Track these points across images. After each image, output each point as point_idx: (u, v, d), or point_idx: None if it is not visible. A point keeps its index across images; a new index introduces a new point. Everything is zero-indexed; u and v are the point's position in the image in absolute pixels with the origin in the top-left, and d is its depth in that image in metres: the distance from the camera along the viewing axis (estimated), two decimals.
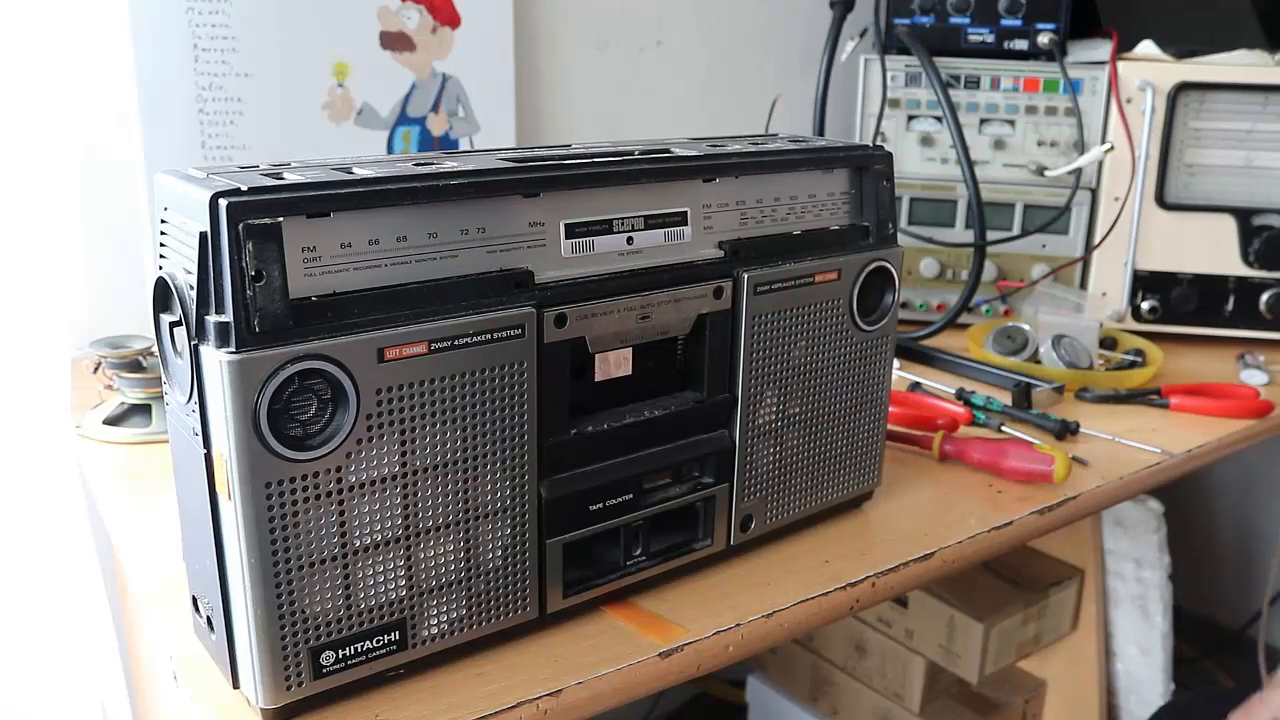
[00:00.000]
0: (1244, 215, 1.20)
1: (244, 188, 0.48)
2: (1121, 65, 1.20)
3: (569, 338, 0.59)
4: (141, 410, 0.92)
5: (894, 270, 0.74)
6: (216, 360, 0.48)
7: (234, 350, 0.48)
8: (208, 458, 0.51)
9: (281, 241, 0.49)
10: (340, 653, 0.54)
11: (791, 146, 0.71)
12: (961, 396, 1.01)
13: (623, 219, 0.62)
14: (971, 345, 1.15)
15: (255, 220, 0.48)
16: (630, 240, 0.62)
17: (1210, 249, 1.21)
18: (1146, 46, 1.23)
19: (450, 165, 0.56)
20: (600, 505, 0.63)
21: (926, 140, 1.27)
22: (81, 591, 1.01)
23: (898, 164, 0.88)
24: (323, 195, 0.50)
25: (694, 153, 0.65)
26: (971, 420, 0.96)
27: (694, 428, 0.67)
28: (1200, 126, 1.19)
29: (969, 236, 1.23)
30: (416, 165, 0.56)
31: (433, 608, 0.57)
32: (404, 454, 0.53)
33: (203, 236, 0.48)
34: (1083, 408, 1.03)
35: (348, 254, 0.52)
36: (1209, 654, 1.84)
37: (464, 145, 1.21)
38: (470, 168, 0.56)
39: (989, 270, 1.25)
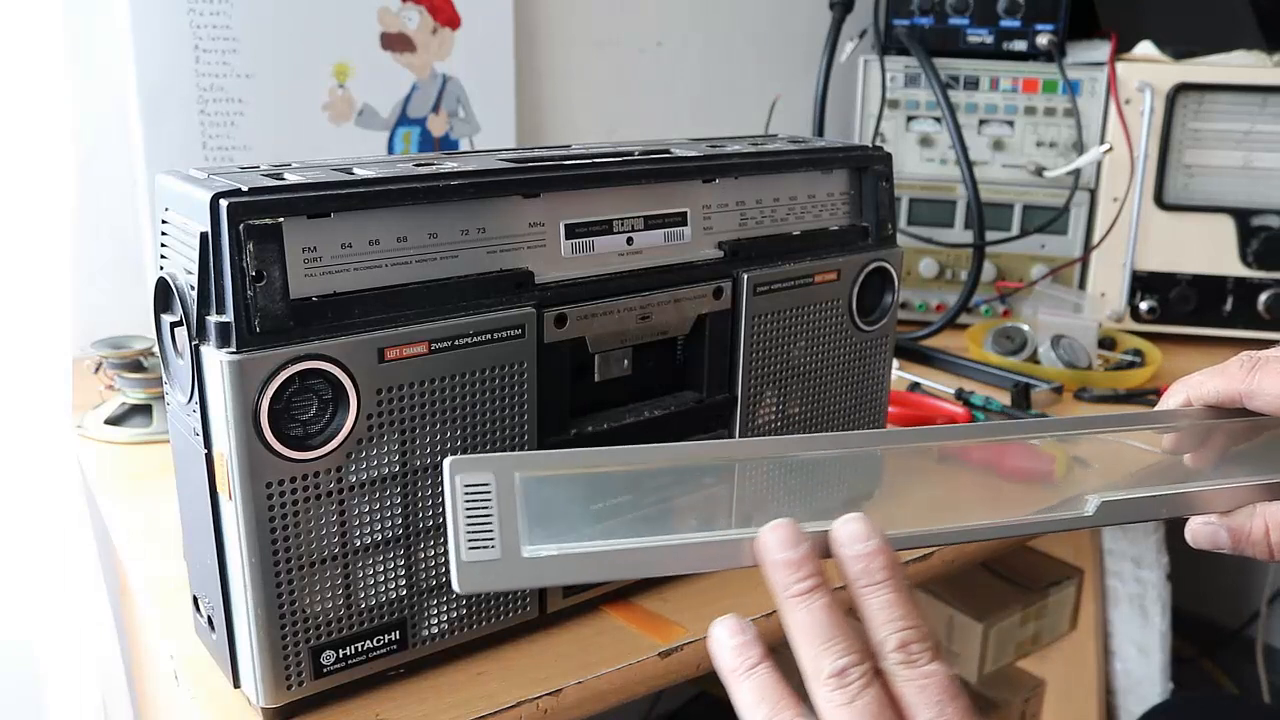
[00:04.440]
0: (1242, 215, 1.20)
1: (245, 188, 0.48)
2: (1120, 66, 1.20)
3: (569, 338, 0.59)
4: (142, 410, 0.92)
5: (893, 270, 0.74)
6: (217, 360, 0.48)
7: (234, 350, 0.48)
8: (208, 458, 0.51)
9: (282, 242, 0.49)
10: (341, 652, 0.54)
11: (791, 147, 0.71)
12: (961, 396, 1.01)
13: (623, 219, 0.62)
14: (971, 345, 1.15)
15: (256, 220, 0.48)
16: (630, 240, 0.62)
17: (1209, 249, 1.21)
18: (1145, 47, 1.23)
19: (450, 165, 0.56)
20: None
21: (926, 141, 1.27)
22: (81, 591, 1.01)
23: (897, 164, 0.89)
24: (323, 195, 0.50)
25: (694, 153, 0.66)
26: (971, 420, 0.96)
27: (694, 428, 0.67)
28: (1199, 127, 1.20)
29: (968, 237, 1.23)
30: (417, 166, 0.56)
31: (433, 607, 0.57)
32: (404, 454, 0.54)
33: (203, 237, 0.48)
34: (1082, 408, 1.03)
35: (348, 254, 0.52)
36: (1207, 654, 1.84)
37: (464, 145, 1.21)
38: (470, 168, 0.56)
39: (988, 270, 1.25)
